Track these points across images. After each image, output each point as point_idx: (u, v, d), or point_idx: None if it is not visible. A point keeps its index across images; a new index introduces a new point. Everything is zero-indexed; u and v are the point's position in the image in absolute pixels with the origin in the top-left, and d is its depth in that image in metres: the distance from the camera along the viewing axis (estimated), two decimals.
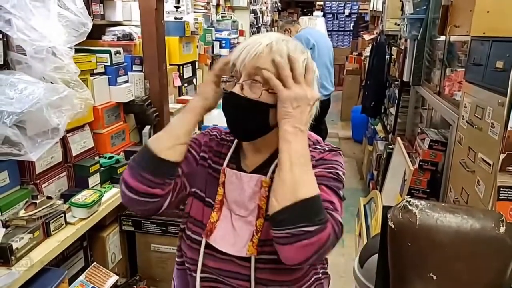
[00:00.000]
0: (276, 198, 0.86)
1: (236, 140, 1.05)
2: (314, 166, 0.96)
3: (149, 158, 0.94)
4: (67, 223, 1.45)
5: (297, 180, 0.85)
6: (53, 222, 1.38)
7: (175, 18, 2.48)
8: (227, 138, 1.09)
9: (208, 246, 0.99)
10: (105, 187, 1.72)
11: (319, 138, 1.07)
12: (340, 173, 0.97)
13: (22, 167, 1.45)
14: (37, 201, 1.38)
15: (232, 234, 0.98)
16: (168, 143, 0.96)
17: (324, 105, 4.18)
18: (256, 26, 6.20)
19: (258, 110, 0.93)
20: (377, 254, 1.29)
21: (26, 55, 1.32)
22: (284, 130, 0.89)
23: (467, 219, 1.07)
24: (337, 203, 0.92)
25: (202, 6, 3.66)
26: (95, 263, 1.65)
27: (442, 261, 1.07)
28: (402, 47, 3.46)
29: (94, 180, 1.67)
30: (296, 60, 0.92)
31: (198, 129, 2.73)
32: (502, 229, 1.03)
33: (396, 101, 3.53)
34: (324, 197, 0.89)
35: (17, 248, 1.24)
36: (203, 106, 1.01)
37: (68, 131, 1.61)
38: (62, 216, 1.42)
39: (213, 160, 1.06)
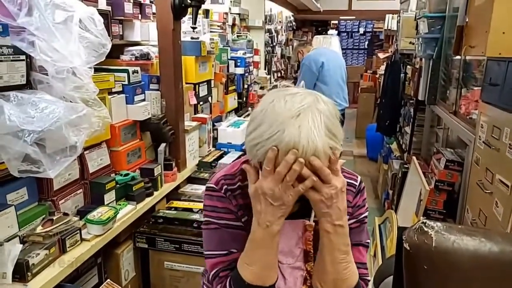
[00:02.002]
0: None
1: None
2: (350, 214, 0.99)
3: None
4: (82, 239, 1.47)
5: (339, 277, 0.90)
6: (68, 238, 1.40)
7: (192, 38, 2.52)
8: (242, 185, 1.00)
9: None
10: (120, 204, 1.74)
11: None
12: (367, 214, 1.04)
13: (40, 184, 1.47)
14: (54, 218, 1.40)
15: (283, 284, 0.99)
16: (275, 273, 0.94)
17: None
18: (271, 45, 6.27)
19: None
20: (392, 276, 1.27)
21: (47, 75, 1.36)
22: (326, 231, 0.88)
23: (485, 242, 1.05)
24: (366, 257, 1.00)
25: (218, 26, 3.73)
26: (108, 280, 1.66)
27: (459, 285, 1.04)
28: (417, 66, 3.45)
29: (109, 197, 1.69)
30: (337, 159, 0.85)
31: (213, 147, 2.74)
32: None
33: (412, 120, 3.50)
34: (360, 260, 0.97)
35: (33, 264, 1.26)
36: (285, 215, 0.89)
37: (85, 149, 1.64)
38: (77, 233, 1.44)
39: (250, 216, 0.97)
